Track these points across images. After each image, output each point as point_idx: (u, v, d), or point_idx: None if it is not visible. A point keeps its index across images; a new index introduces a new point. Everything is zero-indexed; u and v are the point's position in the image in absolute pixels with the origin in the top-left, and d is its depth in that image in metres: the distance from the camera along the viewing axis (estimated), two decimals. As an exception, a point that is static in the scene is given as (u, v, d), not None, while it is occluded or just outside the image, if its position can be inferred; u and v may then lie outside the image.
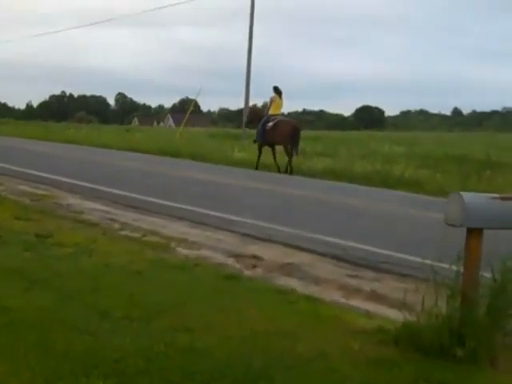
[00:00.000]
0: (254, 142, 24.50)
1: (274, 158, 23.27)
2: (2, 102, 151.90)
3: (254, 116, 25.29)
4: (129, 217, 11.14)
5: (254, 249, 9.10)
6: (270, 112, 23.61)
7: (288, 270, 8.09)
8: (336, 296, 7.08)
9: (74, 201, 12.45)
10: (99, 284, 6.58)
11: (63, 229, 9.60)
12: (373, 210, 13.68)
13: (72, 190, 13.89)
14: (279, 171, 22.49)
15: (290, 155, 22.48)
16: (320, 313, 6.12)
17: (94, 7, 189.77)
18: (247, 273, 7.86)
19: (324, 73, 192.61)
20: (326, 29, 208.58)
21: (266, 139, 23.26)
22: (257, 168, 23.18)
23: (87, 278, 6.79)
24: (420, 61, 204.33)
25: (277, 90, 23.77)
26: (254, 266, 8.23)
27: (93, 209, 11.69)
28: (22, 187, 14.12)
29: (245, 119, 32.73)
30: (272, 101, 23.80)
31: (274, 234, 9.92)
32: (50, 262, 7.51)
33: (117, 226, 10.29)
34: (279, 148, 23.19)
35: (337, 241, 9.62)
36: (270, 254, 8.84)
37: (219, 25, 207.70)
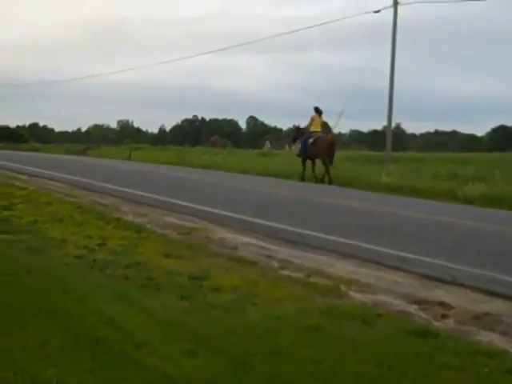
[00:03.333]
0: (298, 156, 27.98)
1: (313, 169, 26.67)
2: (136, 126, 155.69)
3: (299, 134, 28.61)
4: (287, 253, 10.06)
5: (439, 293, 7.86)
6: (311, 129, 27.17)
7: (486, 321, 6.83)
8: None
9: (225, 234, 11.46)
10: (275, 345, 5.49)
11: (218, 268, 8.64)
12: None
13: (221, 221, 12.93)
14: (316, 181, 26.10)
15: (327, 167, 25.76)
16: None
17: (224, 33, 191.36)
18: (436, 324, 6.68)
19: (456, 92, 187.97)
20: (460, 47, 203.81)
21: (307, 154, 26.78)
22: (303, 180, 26.58)
23: (259, 337, 5.72)
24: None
25: (317, 110, 27.49)
26: (444, 316, 7.02)
27: (247, 243, 10.68)
28: (167, 218, 13.26)
29: (388, 142, 33.38)
30: (312, 119, 27.30)
31: (459, 276, 8.60)
32: (212, 313, 6.50)
33: (276, 264, 9.23)
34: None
35: (535, 284, 8.22)
36: (459, 300, 7.59)
37: (350, 47, 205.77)
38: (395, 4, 36.23)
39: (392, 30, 36.11)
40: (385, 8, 36.85)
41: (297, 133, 29.17)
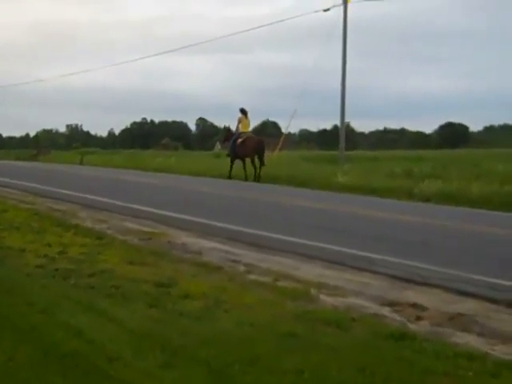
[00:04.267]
0: (227, 155, 29.43)
1: (244, 168, 27.71)
2: (85, 130, 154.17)
3: (229, 135, 29.98)
4: (251, 257, 9.90)
5: (410, 295, 7.77)
6: (240, 130, 28.54)
7: (461, 322, 6.75)
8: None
9: (187, 239, 11.26)
10: (253, 353, 5.33)
11: (184, 274, 8.48)
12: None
13: (181, 225, 12.72)
14: (246, 179, 27.17)
15: (256, 166, 27.19)
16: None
17: (172, 35, 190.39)
18: (412, 326, 6.56)
19: (403, 90, 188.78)
20: (408, 45, 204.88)
21: (236, 153, 28.13)
22: (230, 177, 27.84)
23: (235, 345, 5.55)
24: (503, 74, 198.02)
25: (243, 112, 28.71)
26: (419, 318, 6.91)
27: (210, 248, 10.50)
28: (126, 224, 13.03)
29: (342, 142, 33.62)
30: (239, 121, 28.63)
31: (428, 276, 8.51)
32: (183, 322, 6.34)
33: (242, 268, 9.08)
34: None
35: (505, 283, 8.16)
36: (431, 301, 7.50)
37: (299, 47, 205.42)
38: (345, 2, 36.13)
39: (342, 28, 36.00)
40: (334, 6, 36.76)
41: (227, 134, 30.67)
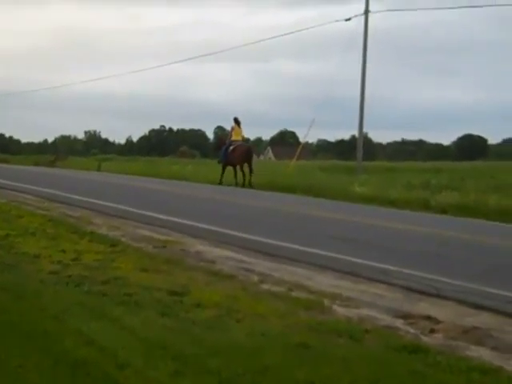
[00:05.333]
0: (219, 162, 30.76)
1: (235, 175, 29.35)
2: (104, 137, 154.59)
3: (221, 142, 31.53)
4: (265, 266, 9.87)
5: (424, 307, 7.72)
6: (232, 138, 30.00)
7: (475, 336, 6.70)
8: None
9: (201, 247, 11.22)
10: (264, 364, 5.29)
11: (197, 283, 8.45)
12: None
13: (195, 234, 12.69)
14: (236, 185, 28.65)
15: (248, 173, 28.71)
16: None
17: (193, 43, 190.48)
18: (425, 339, 6.51)
19: (422, 101, 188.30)
20: (427, 57, 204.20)
21: (227, 160, 29.52)
22: (220, 183, 29.38)
23: (247, 355, 5.51)
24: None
25: (236, 121, 30.32)
26: (432, 331, 6.86)
27: (224, 257, 10.47)
28: (140, 231, 13.01)
29: (359, 151, 33.74)
30: (232, 129, 30.37)
31: (442, 288, 8.45)
32: (194, 331, 6.30)
33: (255, 278, 9.04)
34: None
35: (521, 296, 8.09)
36: (445, 313, 7.44)
37: (320, 56, 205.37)
38: (366, 12, 36.11)
39: (363, 38, 35.99)
40: (356, 16, 36.75)
41: (219, 142, 32.54)
